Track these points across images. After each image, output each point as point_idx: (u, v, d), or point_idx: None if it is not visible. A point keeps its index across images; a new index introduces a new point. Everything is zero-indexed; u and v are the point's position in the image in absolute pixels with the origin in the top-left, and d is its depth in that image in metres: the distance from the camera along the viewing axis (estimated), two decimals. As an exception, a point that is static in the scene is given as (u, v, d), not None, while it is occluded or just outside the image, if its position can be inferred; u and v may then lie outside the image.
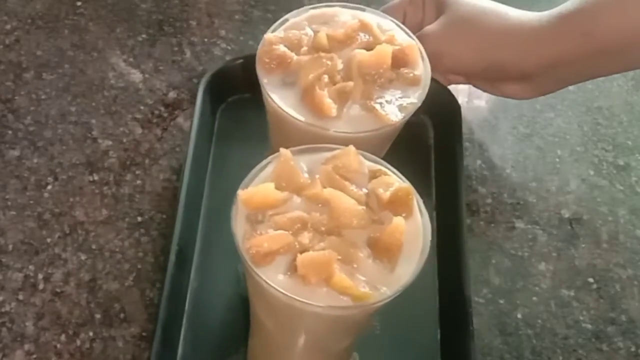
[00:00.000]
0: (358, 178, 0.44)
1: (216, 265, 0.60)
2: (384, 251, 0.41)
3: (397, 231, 0.41)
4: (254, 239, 0.40)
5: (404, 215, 0.42)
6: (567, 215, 0.67)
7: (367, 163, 0.45)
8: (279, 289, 0.39)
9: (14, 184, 0.65)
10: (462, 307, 0.56)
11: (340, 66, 0.49)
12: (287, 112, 0.47)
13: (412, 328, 0.58)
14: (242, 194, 0.42)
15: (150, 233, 0.63)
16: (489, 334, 0.59)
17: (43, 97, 0.71)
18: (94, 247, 0.61)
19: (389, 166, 0.46)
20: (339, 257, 0.40)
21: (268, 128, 0.54)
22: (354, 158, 0.44)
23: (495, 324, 0.60)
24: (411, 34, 0.53)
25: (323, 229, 0.41)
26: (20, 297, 0.58)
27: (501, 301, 0.61)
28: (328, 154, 0.45)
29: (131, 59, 0.75)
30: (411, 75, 0.50)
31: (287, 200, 0.42)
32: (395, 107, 0.48)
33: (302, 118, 0.47)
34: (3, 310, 0.57)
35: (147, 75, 0.74)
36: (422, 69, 0.51)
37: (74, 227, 0.62)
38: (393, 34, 0.52)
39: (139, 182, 0.66)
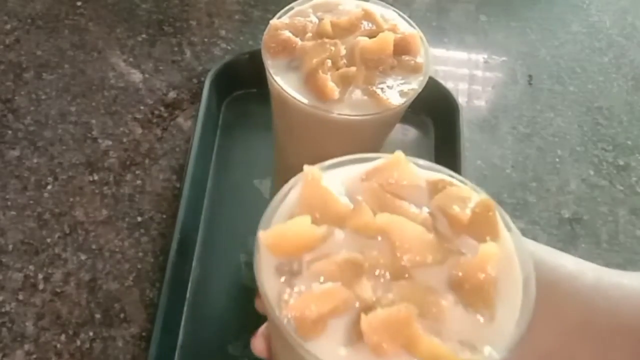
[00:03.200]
0: (415, 194, 0.33)
1: (216, 265, 0.60)
2: (475, 293, 0.29)
3: (487, 263, 0.30)
4: (295, 302, 0.28)
5: (488, 238, 0.31)
6: (567, 215, 0.67)
7: (422, 172, 0.34)
8: None
9: (14, 184, 0.65)
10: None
11: (343, 52, 0.50)
12: (290, 95, 0.48)
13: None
14: (265, 236, 0.30)
15: (150, 233, 0.63)
16: (489, 334, 0.59)
17: (43, 97, 0.71)
18: (94, 247, 0.61)
19: (450, 172, 0.34)
20: (417, 311, 0.28)
21: (272, 119, 0.55)
22: (405, 167, 0.33)
23: (495, 324, 0.60)
24: (413, 23, 0.54)
25: (386, 272, 0.30)
26: (20, 297, 0.58)
27: (501, 301, 0.61)
28: (367, 166, 0.34)
29: (131, 59, 0.75)
30: (412, 62, 0.51)
31: (327, 237, 0.31)
32: (396, 92, 0.49)
33: (305, 100, 0.48)
34: (3, 310, 0.57)
35: (147, 75, 0.74)
36: (424, 57, 0.52)
37: (74, 227, 0.63)
38: (395, 23, 0.53)
39: (139, 182, 0.66)
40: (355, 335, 0.28)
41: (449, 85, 0.73)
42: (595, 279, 0.37)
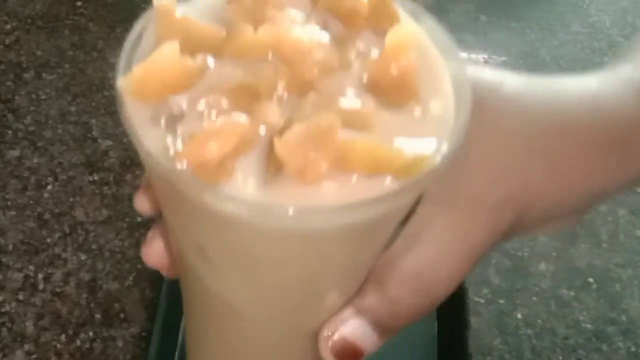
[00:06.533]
0: (295, 3, 0.27)
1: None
2: (395, 88, 0.25)
3: (399, 50, 0.25)
4: (188, 147, 0.22)
5: (391, 28, 0.26)
6: (567, 215, 0.67)
7: None
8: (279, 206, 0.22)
9: (14, 184, 0.65)
10: (459, 301, 0.56)
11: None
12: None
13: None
14: (127, 82, 0.25)
15: (150, 233, 0.62)
16: (488, 334, 0.59)
17: (43, 97, 0.71)
18: (94, 247, 0.61)
19: None
20: (339, 121, 0.23)
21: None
22: None
23: (495, 324, 0.60)
24: None
25: (288, 93, 0.24)
26: (20, 297, 0.58)
27: (501, 301, 0.61)
28: None
29: (131, 59, 0.75)
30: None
31: (205, 69, 0.24)
32: None
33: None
34: (3, 310, 0.57)
35: (147, 75, 0.74)
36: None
37: (74, 227, 0.62)
38: None
39: (139, 182, 0.66)
40: (273, 168, 0.22)
41: (449, 85, 0.73)
42: (522, 83, 0.32)
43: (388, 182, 0.22)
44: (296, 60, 0.24)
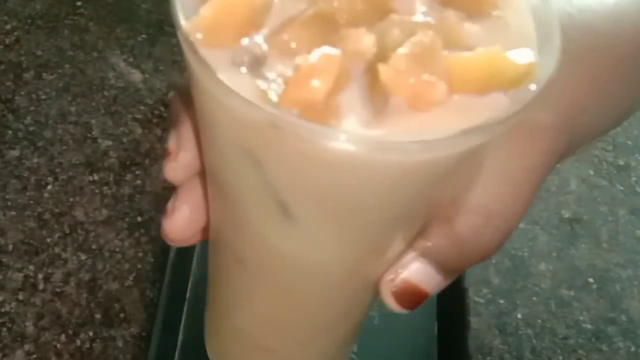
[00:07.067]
0: None
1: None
2: None
3: None
4: (289, 89, 0.20)
5: None
6: (567, 215, 0.67)
7: None
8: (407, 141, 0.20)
9: (14, 184, 0.65)
10: (459, 301, 0.56)
11: None
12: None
13: (409, 321, 0.58)
14: (194, 26, 0.21)
15: (150, 233, 0.63)
16: (488, 334, 0.59)
17: (43, 97, 0.71)
18: (94, 247, 0.61)
19: None
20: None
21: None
22: None
23: (495, 324, 0.60)
24: None
25: (365, 17, 0.22)
26: (20, 297, 0.58)
27: (501, 301, 0.61)
28: None
29: (131, 59, 0.75)
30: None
31: (270, 2, 0.22)
32: None
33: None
34: (3, 310, 0.57)
35: (147, 75, 0.74)
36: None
37: (74, 227, 0.62)
38: None
39: (139, 182, 0.66)
40: (380, 99, 0.20)
41: (449, 85, 0.74)
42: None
43: (502, 99, 0.21)
44: None
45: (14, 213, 0.63)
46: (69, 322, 0.57)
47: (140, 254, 0.61)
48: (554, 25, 0.23)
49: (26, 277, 0.59)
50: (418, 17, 0.22)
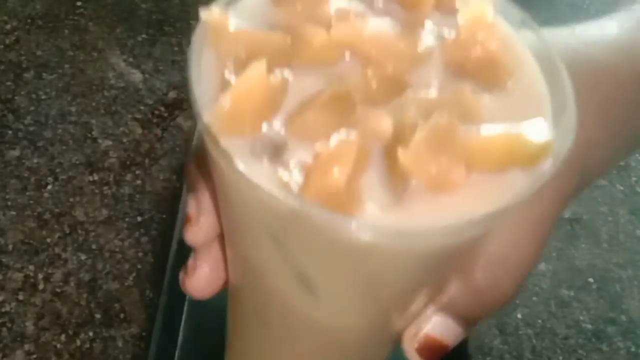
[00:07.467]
0: None
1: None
2: (489, 69, 0.23)
3: (479, 25, 0.23)
4: (311, 179, 0.20)
5: (458, 7, 0.24)
6: (567, 215, 0.67)
7: None
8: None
9: (14, 184, 0.65)
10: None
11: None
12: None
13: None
14: (215, 116, 0.21)
15: (150, 233, 0.63)
16: (488, 334, 0.59)
17: (43, 97, 0.71)
18: (94, 247, 0.61)
19: None
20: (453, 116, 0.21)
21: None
22: None
23: (495, 324, 0.60)
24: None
25: (381, 93, 0.22)
26: (20, 297, 0.58)
27: (501, 301, 0.61)
28: None
29: (131, 59, 0.75)
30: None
31: (286, 84, 0.22)
32: None
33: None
34: (3, 310, 0.57)
35: (147, 75, 0.74)
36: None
37: (74, 227, 0.62)
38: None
39: (139, 182, 0.66)
40: (400, 182, 0.20)
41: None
42: (548, 36, 0.31)
43: (521, 175, 0.21)
44: (381, 56, 0.22)
45: (14, 213, 0.63)
46: (69, 322, 0.57)
47: (140, 254, 0.61)
48: (567, 89, 0.23)
49: (26, 277, 0.59)
50: (433, 92, 0.22)
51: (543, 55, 0.24)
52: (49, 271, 0.60)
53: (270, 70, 0.21)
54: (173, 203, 0.63)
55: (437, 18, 0.24)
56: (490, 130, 0.21)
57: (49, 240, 0.62)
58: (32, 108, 0.70)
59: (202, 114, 0.21)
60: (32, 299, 0.58)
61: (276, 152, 0.21)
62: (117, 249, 0.61)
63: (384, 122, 0.21)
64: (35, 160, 0.67)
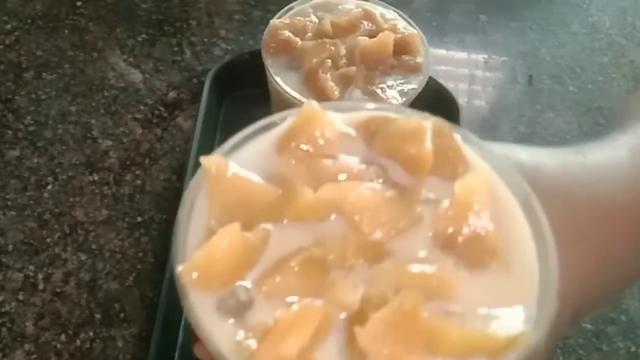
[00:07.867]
0: (348, 147, 0.24)
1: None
2: (473, 245, 0.22)
3: (472, 202, 0.22)
4: (262, 345, 0.20)
5: (460, 170, 0.24)
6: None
7: (344, 117, 0.25)
8: None
9: (14, 184, 0.65)
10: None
11: (343, 52, 0.50)
12: (290, 94, 0.49)
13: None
14: (187, 272, 0.23)
15: (150, 233, 0.63)
16: (489, 334, 0.59)
17: (43, 97, 0.71)
18: (94, 247, 0.61)
19: (376, 104, 0.26)
20: (421, 296, 0.21)
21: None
22: (323, 118, 0.24)
23: (495, 324, 0.60)
24: (413, 23, 0.54)
25: (358, 259, 0.22)
26: (20, 297, 0.58)
27: (501, 301, 0.61)
28: (277, 132, 0.25)
29: (131, 59, 0.75)
30: (412, 62, 0.52)
31: (266, 241, 0.22)
32: (396, 92, 0.50)
33: (304, 100, 0.48)
34: (3, 310, 0.57)
35: (147, 75, 0.74)
36: (424, 57, 0.52)
37: (74, 227, 0.62)
38: (396, 22, 0.54)
39: (139, 182, 0.66)
40: (356, 357, 0.20)
41: (449, 85, 0.73)
42: (558, 166, 0.32)
43: None
44: (364, 222, 0.22)
45: (14, 213, 0.63)
46: (69, 322, 0.57)
47: (140, 254, 0.61)
48: (552, 285, 0.22)
49: (26, 277, 0.59)
50: (412, 264, 0.22)
51: (541, 239, 0.23)
52: (49, 271, 0.60)
53: (253, 224, 0.22)
54: (173, 203, 0.63)
55: (434, 183, 0.24)
56: (459, 318, 0.21)
57: (49, 240, 0.62)
58: (32, 108, 0.70)
59: (176, 265, 0.22)
60: (32, 299, 0.58)
61: (241, 309, 0.22)
62: (117, 249, 0.61)
63: (350, 294, 0.21)
64: (35, 160, 0.67)
